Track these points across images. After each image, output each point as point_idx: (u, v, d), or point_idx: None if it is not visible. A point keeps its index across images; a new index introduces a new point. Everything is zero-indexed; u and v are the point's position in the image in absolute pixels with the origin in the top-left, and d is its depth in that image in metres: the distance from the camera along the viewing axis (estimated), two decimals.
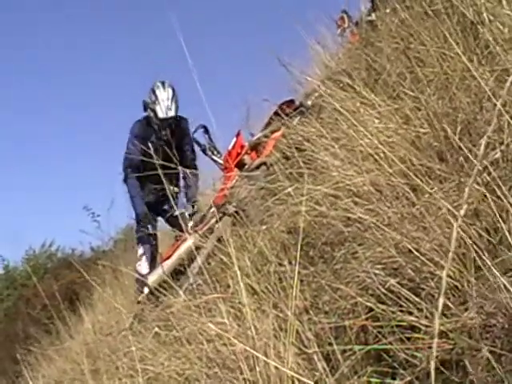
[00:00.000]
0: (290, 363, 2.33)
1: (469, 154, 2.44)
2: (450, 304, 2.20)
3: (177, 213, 5.83)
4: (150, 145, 5.69)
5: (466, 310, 2.17)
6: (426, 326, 2.20)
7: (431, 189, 2.59)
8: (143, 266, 6.31)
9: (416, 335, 2.22)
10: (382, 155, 2.88)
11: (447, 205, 2.31)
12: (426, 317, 2.23)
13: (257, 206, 4.24)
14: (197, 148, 6.03)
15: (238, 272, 2.55)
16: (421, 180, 2.71)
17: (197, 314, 3.03)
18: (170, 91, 6.25)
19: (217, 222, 4.86)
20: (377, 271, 2.46)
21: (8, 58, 28.10)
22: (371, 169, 2.90)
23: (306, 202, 2.89)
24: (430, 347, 2.16)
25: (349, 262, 2.66)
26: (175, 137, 6.14)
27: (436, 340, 1.43)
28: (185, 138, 6.31)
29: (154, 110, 6.18)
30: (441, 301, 1.47)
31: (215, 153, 5.87)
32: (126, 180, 6.35)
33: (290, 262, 2.88)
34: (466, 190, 1.41)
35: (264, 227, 3.54)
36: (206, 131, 5.93)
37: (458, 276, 2.27)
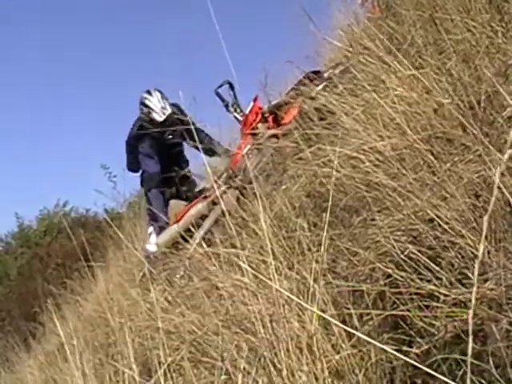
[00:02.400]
0: (310, 326, 2.32)
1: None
2: (469, 274, 2.18)
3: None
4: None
5: (486, 280, 2.15)
6: (445, 295, 2.18)
7: (453, 157, 2.56)
8: (152, 245, 6.32)
9: (434, 304, 2.21)
10: (404, 122, 2.85)
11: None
12: (445, 285, 2.21)
13: (262, 181, 4.20)
14: (220, 103, 5.97)
15: (264, 226, 2.53)
16: (442, 148, 2.68)
17: (217, 266, 3.04)
18: (158, 94, 6.44)
19: (224, 193, 4.90)
20: (396, 237, 2.44)
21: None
22: (393, 135, 2.86)
23: (326, 166, 2.86)
24: (448, 316, 2.15)
25: (368, 228, 2.64)
26: (180, 132, 6.27)
27: (472, 312, 1.41)
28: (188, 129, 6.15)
29: (151, 120, 6.35)
30: (475, 278, 1.44)
31: (238, 111, 5.81)
32: (147, 194, 6.65)
33: (308, 226, 2.87)
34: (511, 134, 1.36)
35: (283, 187, 3.53)
36: (232, 87, 5.87)
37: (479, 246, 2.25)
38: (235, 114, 5.81)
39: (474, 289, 1.40)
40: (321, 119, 3.60)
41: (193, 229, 5.03)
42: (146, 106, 6.39)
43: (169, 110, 6.32)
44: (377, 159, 2.83)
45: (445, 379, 1.39)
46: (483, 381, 1.94)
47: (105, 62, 27.78)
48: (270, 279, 2.37)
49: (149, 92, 6.46)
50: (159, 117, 6.31)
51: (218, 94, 5.87)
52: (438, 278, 2.25)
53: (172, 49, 25.28)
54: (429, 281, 2.26)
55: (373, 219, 2.67)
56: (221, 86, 5.83)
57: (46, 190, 22.74)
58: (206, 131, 6.42)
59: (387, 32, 3.99)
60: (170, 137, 6.34)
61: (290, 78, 5.71)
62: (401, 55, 3.45)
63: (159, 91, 6.45)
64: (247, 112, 5.61)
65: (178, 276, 4.32)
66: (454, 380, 1.99)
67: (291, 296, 2.22)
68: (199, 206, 5.40)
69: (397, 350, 2.20)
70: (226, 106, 5.85)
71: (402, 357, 1.52)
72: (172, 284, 4.06)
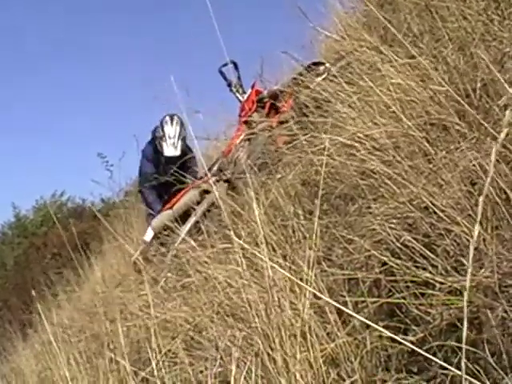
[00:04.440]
0: (304, 314, 2.31)
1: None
2: (465, 262, 2.18)
3: None
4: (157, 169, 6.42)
5: (482, 267, 2.14)
6: (441, 283, 2.17)
7: (449, 145, 2.56)
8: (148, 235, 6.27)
9: (430, 291, 2.20)
10: (399, 109, 2.84)
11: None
12: (441, 273, 2.20)
13: (257, 170, 4.19)
14: (223, 82, 5.95)
15: (257, 215, 2.52)
16: (438, 136, 2.67)
17: (209, 261, 3.04)
18: (178, 128, 6.49)
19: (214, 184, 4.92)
20: (392, 225, 2.43)
21: None
22: (388, 123, 2.85)
23: (321, 154, 2.85)
24: (444, 304, 2.15)
25: (363, 216, 2.64)
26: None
27: (466, 299, 1.40)
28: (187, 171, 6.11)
29: (161, 145, 6.46)
30: (469, 271, 1.43)
31: (240, 91, 5.81)
32: (141, 191, 6.84)
33: (304, 214, 2.86)
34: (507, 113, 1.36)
35: (278, 176, 3.52)
36: (236, 67, 5.86)
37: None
38: (237, 95, 5.81)
39: (469, 276, 1.40)
40: (317, 107, 3.59)
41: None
42: (163, 131, 6.46)
43: (177, 152, 6.39)
44: (372, 147, 2.82)
45: (440, 362, 1.39)
46: (479, 368, 1.94)
47: (104, 53, 27.73)
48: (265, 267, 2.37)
49: (171, 119, 6.50)
50: (167, 151, 6.41)
51: (221, 73, 5.87)
52: (433, 266, 2.24)
53: (170, 45, 25.28)
54: (424, 268, 2.25)
55: (368, 207, 2.66)
56: (225, 65, 5.81)
57: (43, 180, 22.78)
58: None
59: (382, 22, 3.97)
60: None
61: (287, 68, 5.70)
62: (396, 43, 3.43)
63: (181, 124, 6.48)
64: (244, 100, 5.60)
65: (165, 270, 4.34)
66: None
67: (285, 276, 2.22)
68: (192, 193, 5.43)
69: (392, 339, 2.20)
70: (229, 86, 5.84)
71: (399, 339, 1.51)
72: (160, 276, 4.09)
